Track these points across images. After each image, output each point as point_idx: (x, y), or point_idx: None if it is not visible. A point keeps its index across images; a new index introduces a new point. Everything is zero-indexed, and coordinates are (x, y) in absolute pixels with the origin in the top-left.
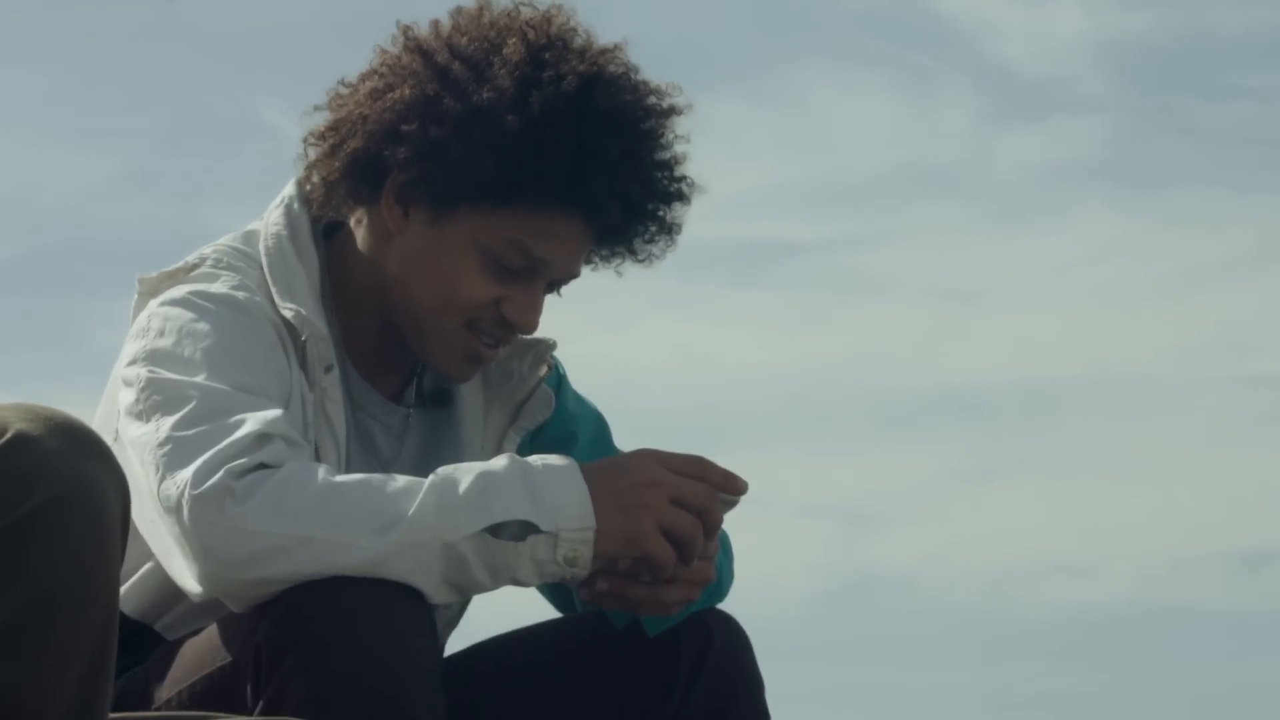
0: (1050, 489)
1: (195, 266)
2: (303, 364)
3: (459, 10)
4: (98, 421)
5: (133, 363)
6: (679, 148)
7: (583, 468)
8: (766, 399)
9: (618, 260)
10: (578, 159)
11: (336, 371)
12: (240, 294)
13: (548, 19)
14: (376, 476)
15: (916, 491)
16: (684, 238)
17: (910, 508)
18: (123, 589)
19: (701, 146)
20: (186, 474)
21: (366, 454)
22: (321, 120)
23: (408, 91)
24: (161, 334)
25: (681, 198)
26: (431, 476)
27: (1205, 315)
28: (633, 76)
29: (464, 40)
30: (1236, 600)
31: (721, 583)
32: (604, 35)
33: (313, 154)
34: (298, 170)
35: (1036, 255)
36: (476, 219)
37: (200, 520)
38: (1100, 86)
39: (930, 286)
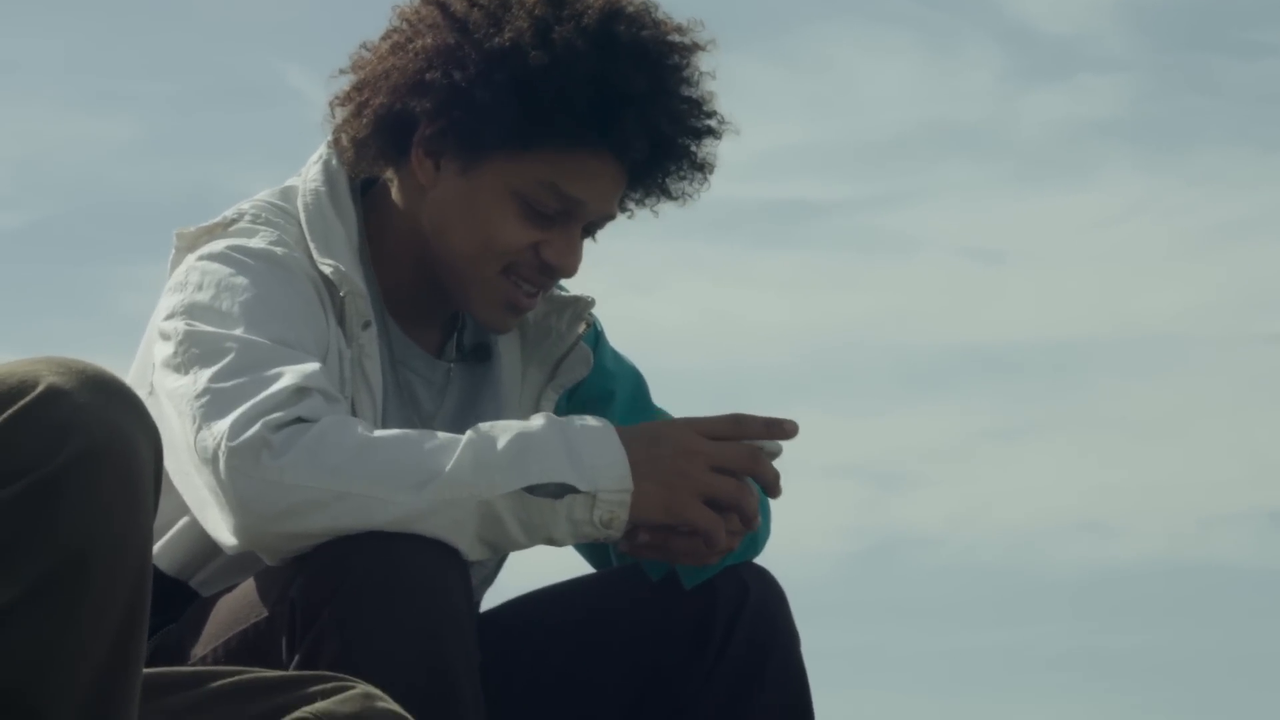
0: (1077, 448)
1: (234, 222)
2: (340, 320)
3: None
4: (132, 376)
5: (170, 316)
6: (706, 84)
7: (619, 433)
8: (793, 359)
9: (652, 200)
10: (603, 94)
11: (374, 328)
12: (279, 249)
13: None
14: (413, 433)
15: (943, 451)
16: (709, 197)
17: (937, 467)
18: (157, 545)
19: (726, 105)
20: (224, 425)
21: (407, 409)
22: (346, 83)
23: (428, 41)
24: (200, 288)
25: (712, 133)
26: (469, 433)
27: (1231, 273)
28: (653, 13)
29: None
30: (1265, 557)
31: (757, 537)
32: None
33: (339, 116)
34: (326, 134)
35: (1061, 214)
36: (507, 164)
37: (236, 472)
38: (1124, 45)
39: (955, 246)
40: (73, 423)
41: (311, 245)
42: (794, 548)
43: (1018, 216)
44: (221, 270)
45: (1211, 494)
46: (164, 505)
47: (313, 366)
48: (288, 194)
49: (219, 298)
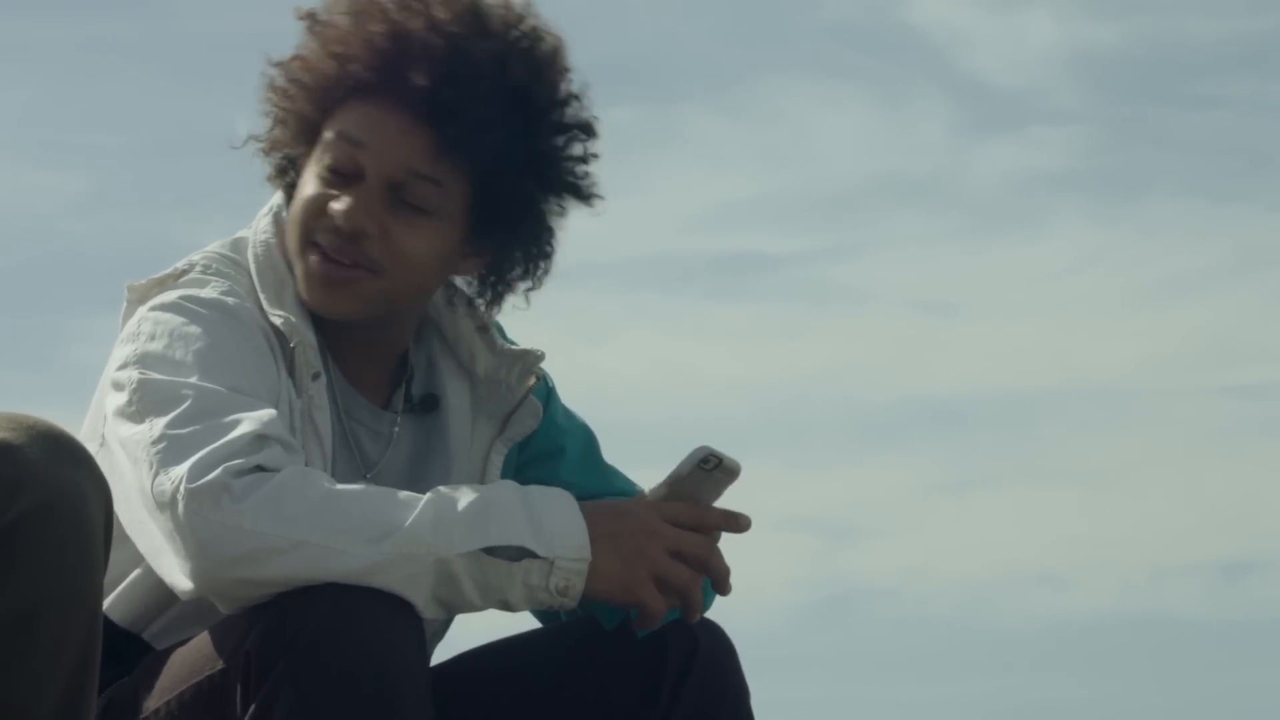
0: (1030, 500)
1: (184, 273)
2: (291, 371)
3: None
4: (85, 430)
5: (123, 366)
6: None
7: (583, 505)
8: (745, 411)
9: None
10: (370, 53)
11: (324, 379)
12: (230, 299)
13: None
14: (376, 488)
15: (896, 503)
16: (660, 249)
17: (890, 520)
18: (110, 597)
19: (676, 159)
20: (182, 469)
21: (353, 460)
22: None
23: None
24: (152, 337)
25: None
26: (430, 493)
27: (1183, 325)
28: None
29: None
30: (1217, 610)
31: (707, 591)
32: (576, 48)
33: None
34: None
35: (1013, 266)
36: (319, 144)
37: (195, 515)
38: (1074, 97)
39: (907, 298)
40: (22, 479)
41: (262, 296)
42: (746, 599)
43: (969, 269)
44: (174, 320)
45: (1164, 546)
46: (116, 556)
47: (270, 414)
48: (238, 245)
49: (172, 346)
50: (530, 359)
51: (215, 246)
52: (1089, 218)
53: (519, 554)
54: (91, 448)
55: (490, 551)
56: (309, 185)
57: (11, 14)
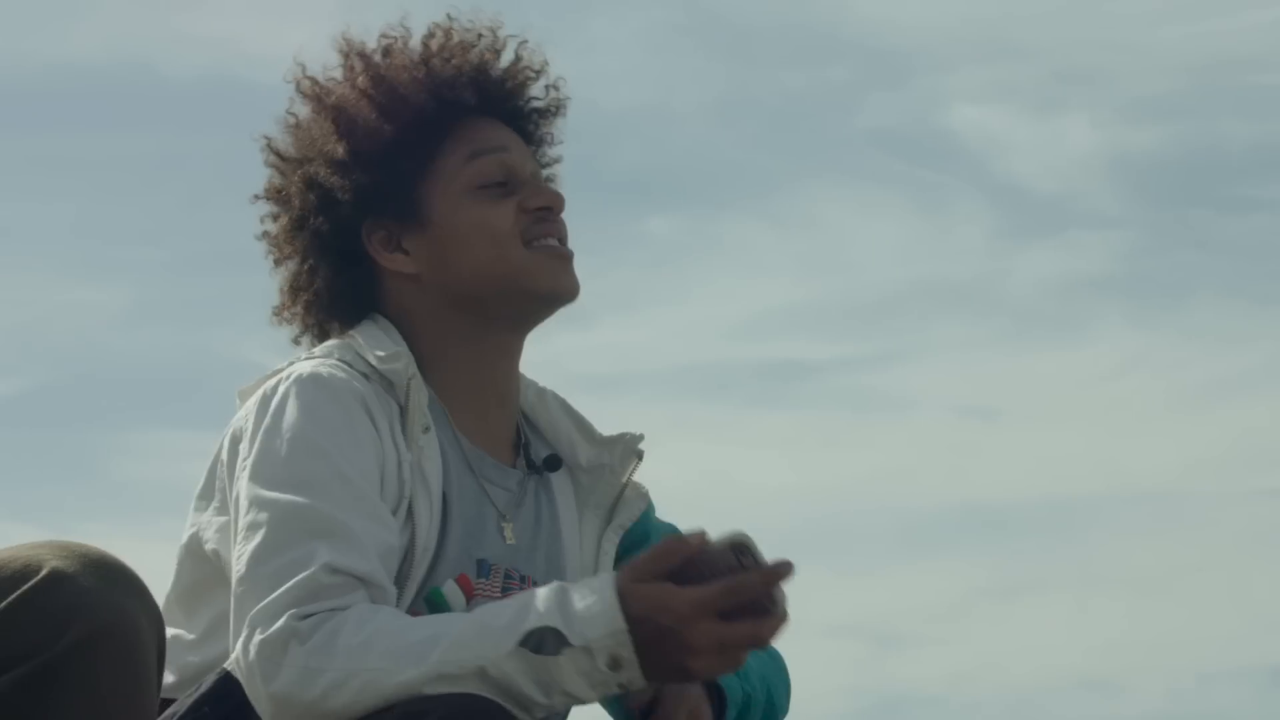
0: (1076, 604)
1: (290, 364)
2: (402, 425)
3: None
4: (207, 519)
5: (235, 469)
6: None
7: (630, 609)
8: (789, 518)
9: (537, 115)
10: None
11: (434, 432)
12: (324, 370)
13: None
14: (430, 617)
15: (943, 609)
16: (703, 357)
17: (937, 626)
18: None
19: (717, 267)
20: (253, 617)
21: (492, 512)
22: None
23: (287, 183)
24: (253, 438)
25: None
26: (478, 609)
27: (1228, 427)
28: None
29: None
30: (1266, 713)
31: (776, 705)
32: (616, 160)
33: (287, 324)
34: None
35: (1056, 371)
36: (438, 183)
37: (268, 663)
38: (1113, 201)
39: (950, 404)
40: (75, 606)
41: (368, 350)
42: (796, 709)
43: (1012, 373)
44: (270, 414)
45: (1211, 649)
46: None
47: (346, 542)
48: (341, 337)
49: (272, 439)
50: (630, 440)
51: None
52: (1131, 321)
53: (558, 645)
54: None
55: (537, 650)
56: (483, 209)
57: (54, 129)
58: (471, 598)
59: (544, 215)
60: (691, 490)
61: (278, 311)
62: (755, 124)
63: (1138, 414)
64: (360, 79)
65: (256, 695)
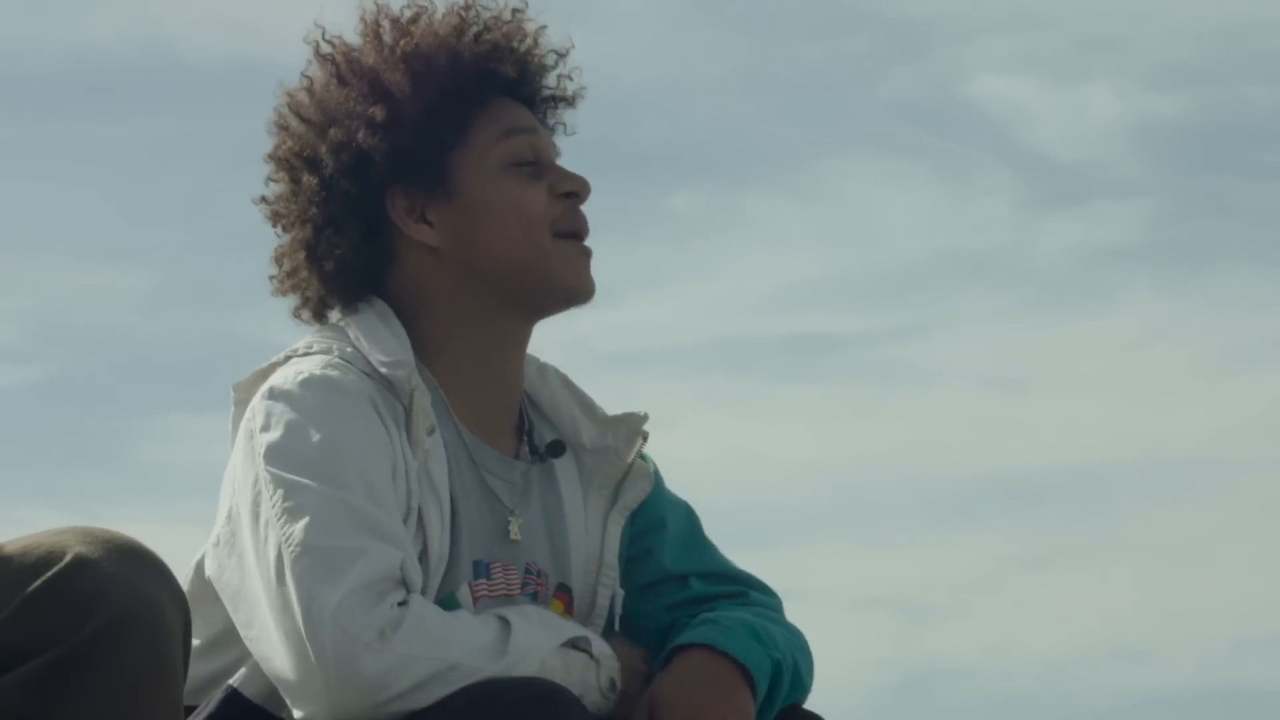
0: (1106, 574)
1: (288, 359)
2: (406, 427)
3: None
4: (216, 532)
5: (248, 464)
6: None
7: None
8: (817, 493)
9: (553, 98)
10: (477, 61)
11: (439, 434)
12: (334, 372)
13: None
14: (461, 613)
15: (972, 581)
16: (727, 332)
17: (967, 598)
18: (240, 673)
19: (741, 241)
20: (332, 599)
21: (498, 508)
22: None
23: (315, 145)
24: (268, 428)
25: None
26: (509, 610)
27: (1255, 394)
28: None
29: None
30: None
31: (803, 682)
32: (638, 136)
33: (297, 289)
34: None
35: (1082, 340)
36: (470, 156)
37: (353, 647)
38: (1138, 169)
39: (976, 375)
40: (100, 593)
41: (370, 353)
42: (824, 682)
43: (1038, 343)
44: (286, 409)
45: (1244, 617)
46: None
47: (396, 538)
48: (334, 327)
49: (291, 438)
50: (635, 421)
51: (310, 335)
52: (1157, 289)
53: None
54: (219, 553)
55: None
56: (515, 187)
57: (74, 113)
58: (476, 601)
59: (572, 202)
60: (719, 465)
61: (282, 280)
62: (777, 97)
63: (1165, 382)
64: (400, 44)
65: (329, 678)
